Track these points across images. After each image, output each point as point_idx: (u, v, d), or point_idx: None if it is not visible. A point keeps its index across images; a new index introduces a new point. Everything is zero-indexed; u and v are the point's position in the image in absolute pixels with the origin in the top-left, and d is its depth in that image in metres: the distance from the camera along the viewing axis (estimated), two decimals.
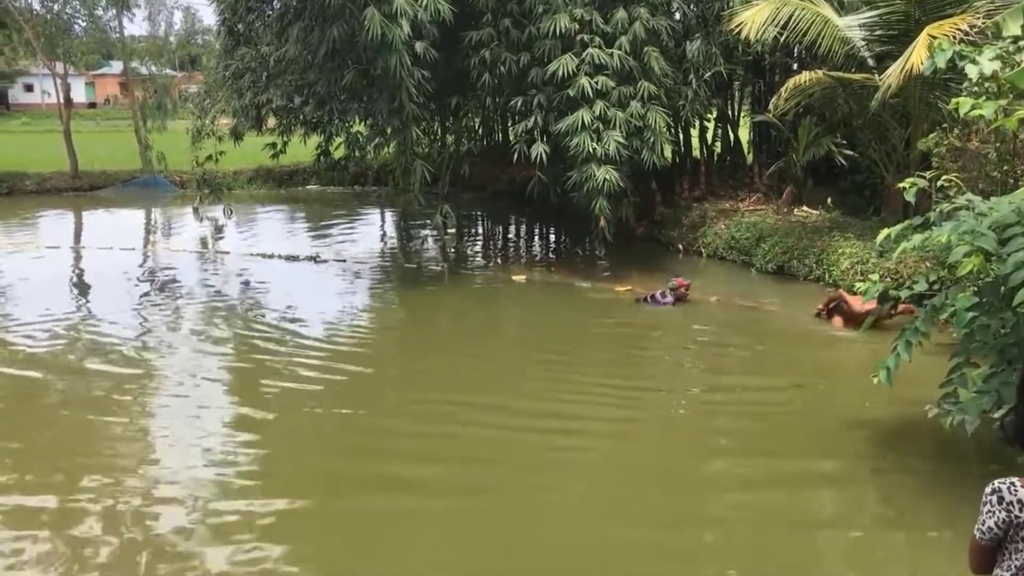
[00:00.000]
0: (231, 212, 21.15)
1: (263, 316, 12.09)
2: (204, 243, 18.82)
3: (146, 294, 13.74)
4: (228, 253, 16.75)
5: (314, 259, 16.12)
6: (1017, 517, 2.48)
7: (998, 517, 2.50)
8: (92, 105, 65.29)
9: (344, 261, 16.12)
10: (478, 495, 6.49)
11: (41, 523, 6.16)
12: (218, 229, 20.48)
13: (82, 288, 14.50)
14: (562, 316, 12.11)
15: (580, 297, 13.21)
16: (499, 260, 17.07)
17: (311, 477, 6.82)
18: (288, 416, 8.14)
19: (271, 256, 16.26)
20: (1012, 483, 2.51)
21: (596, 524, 6.04)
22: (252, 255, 16.39)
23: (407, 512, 6.18)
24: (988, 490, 2.54)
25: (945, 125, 11.49)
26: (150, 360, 10.00)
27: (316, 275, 15.02)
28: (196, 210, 21.28)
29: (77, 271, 16.09)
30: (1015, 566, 2.53)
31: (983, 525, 2.54)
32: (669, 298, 12.19)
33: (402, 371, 9.92)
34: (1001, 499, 2.50)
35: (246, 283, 14.51)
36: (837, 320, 10.98)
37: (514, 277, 14.29)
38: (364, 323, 12.30)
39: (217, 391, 8.90)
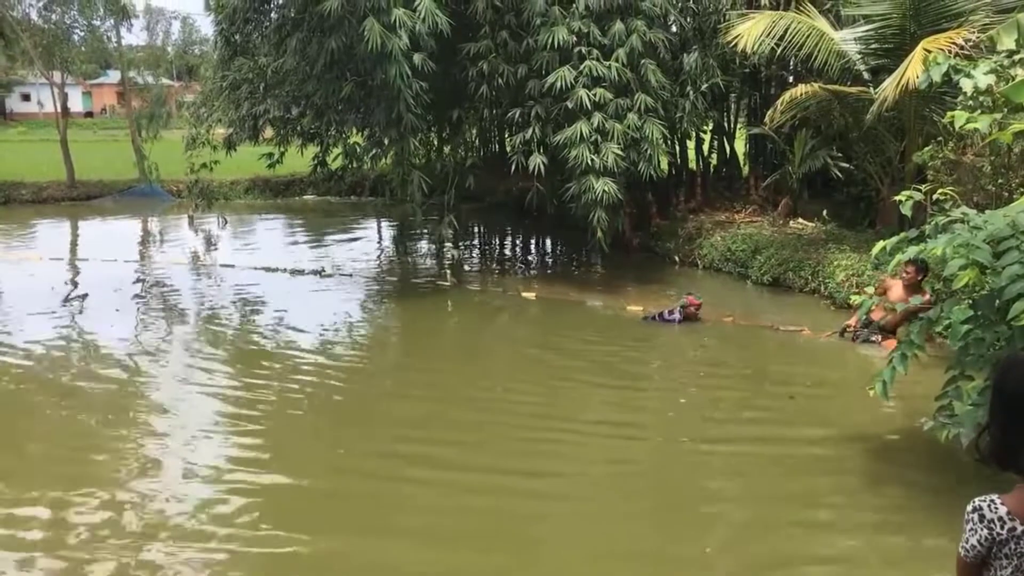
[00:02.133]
0: (225, 222, 21.16)
1: (262, 338, 11.74)
2: (206, 256, 18.75)
3: (151, 309, 13.67)
4: (232, 266, 16.62)
5: (319, 273, 16.03)
6: (999, 534, 2.48)
7: (980, 535, 2.51)
8: (89, 114, 65.46)
9: (350, 276, 15.96)
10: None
11: (35, 534, 6.18)
12: (210, 240, 20.42)
13: (89, 302, 14.31)
14: (568, 340, 11.55)
15: (589, 317, 12.92)
16: (504, 274, 16.77)
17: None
18: (272, 460, 7.64)
19: (274, 270, 16.12)
20: (992, 500, 2.51)
21: None
22: (255, 268, 16.25)
23: None
24: (969, 508, 2.53)
25: (940, 138, 11.54)
26: (150, 380, 9.92)
27: (320, 290, 14.88)
28: (191, 219, 21.28)
29: (82, 284, 15.95)
30: None
31: (967, 543, 2.54)
32: (677, 315, 11.81)
33: (394, 406, 9.11)
34: (982, 517, 2.51)
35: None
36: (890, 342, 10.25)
37: (524, 294, 13.99)
38: (363, 348, 11.71)
39: (202, 427, 8.36)
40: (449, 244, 15.51)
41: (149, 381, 9.83)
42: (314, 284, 15.37)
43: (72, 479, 7.08)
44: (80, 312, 13.09)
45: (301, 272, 16.05)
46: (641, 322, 12.08)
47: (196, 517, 6.39)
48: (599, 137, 13.53)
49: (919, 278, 9.90)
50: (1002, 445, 2.48)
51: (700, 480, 7.34)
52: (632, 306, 12.87)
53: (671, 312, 11.88)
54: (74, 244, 21.97)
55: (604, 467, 7.49)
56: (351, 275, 16.03)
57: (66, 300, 13.82)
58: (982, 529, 2.50)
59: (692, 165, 19.42)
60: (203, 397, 9.20)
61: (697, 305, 11.87)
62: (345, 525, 6.44)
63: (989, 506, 2.50)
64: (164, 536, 6.11)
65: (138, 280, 15.62)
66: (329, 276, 15.88)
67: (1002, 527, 2.47)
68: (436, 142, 20.18)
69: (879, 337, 10.33)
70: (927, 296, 9.54)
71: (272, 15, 16.94)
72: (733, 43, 13.35)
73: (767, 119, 14.08)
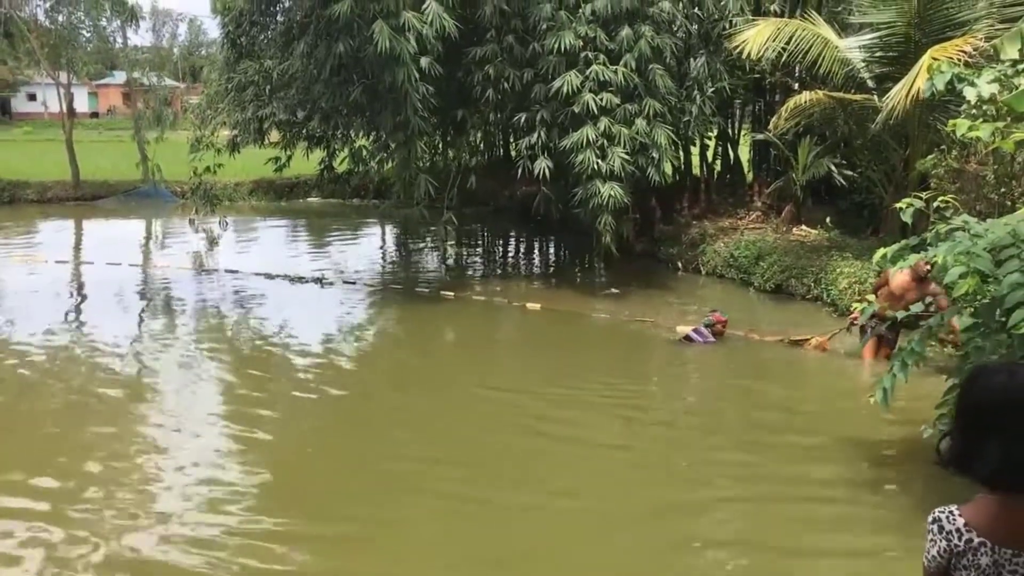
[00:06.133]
0: (227, 224, 21.24)
1: (261, 353, 11.53)
2: (209, 260, 18.75)
3: (154, 315, 13.72)
4: (237, 272, 16.51)
5: (320, 282, 15.86)
6: (956, 546, 2.49)
7: (940, 546, 2.52)
8: (95, 115, 65.64)
9: (354, 283, 15.84)
10: None
11: (33, 535, 6.23)
12: (212, 242, 20.52)
13: (92, 306, 14.39)
14: (573, 365, 10.75)
15: (596, 335, 12.53)
16: (507, 280, 16.52)
17: None
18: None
19: (275, 277, 16.01)
20: (951, 512, 2.53)
21: None
22: (258, 274, 16.15)
23: None
24: (930, 519, 2.55)
25: (944, 147, 11.60)
26: (149, 386, 9.96)
27: (323, 299, 14.76)
28: (192, 221, 21.38)
29: (87, 288, 16.04)
30: None
31: (928, 554, 2.56)
32: (710, 337, 11.32)
33: (382, 464, 7.81)
34: (941, 528, 2.52)
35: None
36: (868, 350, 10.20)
37: (528, 305, 13.64)
38: (358, 373, 10.94)
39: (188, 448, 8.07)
40: (451, 243, 15.43)
41: (146, 399, 9.60)
42: (317, 292, 15.32)
43: (61, 493, 7.02)
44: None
45: (303, 280, 15.95)
46: (676, 344, 11.43)
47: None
48: (605, 142, 13.60)
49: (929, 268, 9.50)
50: (960, 451, 2.51)
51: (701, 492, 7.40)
52: (640, 318, 12.65)
53: (701, 333, 11.33)
54: (78, 246, 22.08)
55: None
56: (354, 282, 15.92)
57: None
58: (941, 540, 2.51)
59: (696, 171, 19.49)
60: (201, 418, 8.85)
61: (723, 322, 11.48)
62: None
63: (947, 517, 2.52)
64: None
65: (153, 286, 15.61)
66: (331, 284, 15.78)
67: (959, 538, 2.48)
68: (441, 145, 20.28)
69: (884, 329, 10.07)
70: (932, 287, 9.25)
71: (279, 18, 17.05)
72: (739, 48, 13.43)
73: (771, 126, 14.17)
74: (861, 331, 10.39)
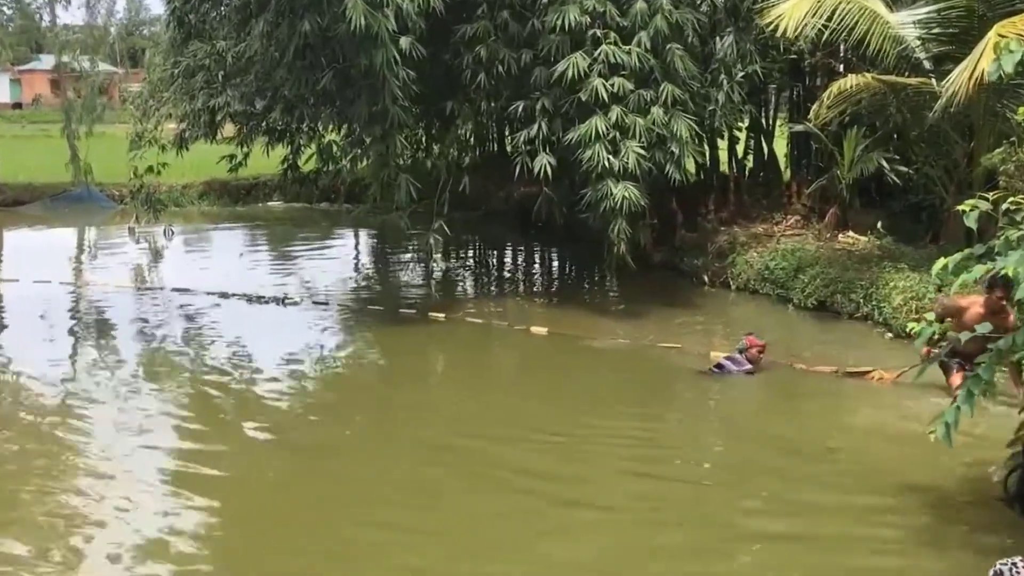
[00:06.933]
0: (172, 234, 21.29)
1: (212, 389, 11.29)
2: (153, 276, 18.73)
3: (88, 341, 13.74)
4: (188, 291, 16.37)
5: (282, 301, 15.81)
6: None
7: None
8: (17, 105, 65.71)
9: (324, 304, 15.79)
10: None
11: None
12: (156, 254, 20.50)
13: (16, 330, 14.37)
14: (586, 404, 10.46)
15: (614, 363, 12.35)
16: (506, 298, 16.51)
17: None
18: None
19: (229, 296, 15.92)
20: (1014, 563, 2.58)
21: None
22: (209, 293, 16.05)
23: None
24: (991, 572, 2.60)
25: (1014, 139, 11.62)
26: (79, 427, 9.85)
27: (287, 323, 14.60)
28: (132, 230, 21.44)
29: (9, 309, 16.02)
30: None
31: None
32: (745, 364, 11.14)
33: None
34: None
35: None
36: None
37: (533, 329, 13.45)
38: (328, 410, 10.78)
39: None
40: (437, 256, 15.38)
41: (75, 444, 9.40)
42: (281, 313, 15.27)
43: None
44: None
45: (263, 299, 15.83)
46: (710, 373, 11.28)
47: None
48: (618, 134, 13.62)
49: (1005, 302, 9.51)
50: None
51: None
52: (663, 343, 12.53)
53: (735, 361, 11.19)
54: (7, 261, 22.07)
55: None
56: (326, 302, 15.89)
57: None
58: None
59: (724, 168, 19.55)
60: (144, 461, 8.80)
61: (760, 347, 11.30)
62: None
63: (1011, 570, 2.57)
64: None
65: (88, 308, 15.62)
66: (296, 304, 15.75)
67: None
68: (425, 140, 20.36)
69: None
70: (1011, 320, 9.30)
71: None
72: (773, 25, 13.46)
73: (812, 115, 14.20)
74: (942, 366, 9.74)
